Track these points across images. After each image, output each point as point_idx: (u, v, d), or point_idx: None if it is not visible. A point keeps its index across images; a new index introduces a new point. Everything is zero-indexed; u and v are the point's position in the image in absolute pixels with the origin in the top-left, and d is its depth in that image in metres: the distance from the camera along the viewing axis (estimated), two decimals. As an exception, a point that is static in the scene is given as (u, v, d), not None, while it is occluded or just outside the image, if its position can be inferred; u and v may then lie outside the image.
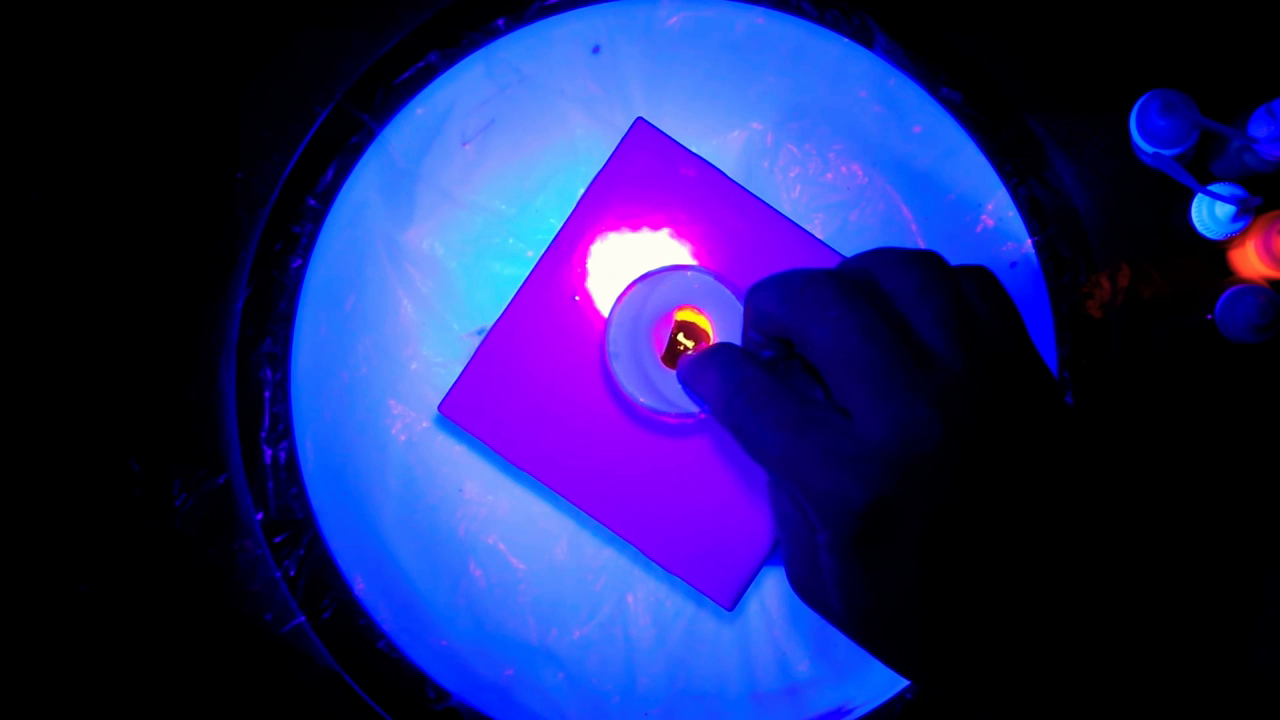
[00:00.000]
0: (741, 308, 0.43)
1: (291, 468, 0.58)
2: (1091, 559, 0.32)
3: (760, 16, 0.59)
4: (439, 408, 0.52)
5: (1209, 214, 0.54)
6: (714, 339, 0.46)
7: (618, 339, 0.45)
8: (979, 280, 0.33)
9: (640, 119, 0.52)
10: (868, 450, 0.30)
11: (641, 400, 0.45)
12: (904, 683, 0.57)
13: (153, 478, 0.59)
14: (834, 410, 0.32)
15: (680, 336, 0.46)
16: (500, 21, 0.59)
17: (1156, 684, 0.31)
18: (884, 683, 0.58)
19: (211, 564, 0.58)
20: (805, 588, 0.34)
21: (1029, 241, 0.58)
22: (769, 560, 0.51)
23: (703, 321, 0.46)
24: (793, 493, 0.32)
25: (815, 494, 0.31)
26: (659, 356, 0.46)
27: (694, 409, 0.45)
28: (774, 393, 0.33)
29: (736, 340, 0.44)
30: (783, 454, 0.31)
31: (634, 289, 0.46)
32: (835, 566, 0.31)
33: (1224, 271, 0.57)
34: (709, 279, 0.45)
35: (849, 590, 0.32)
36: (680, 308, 0.46)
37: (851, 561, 0.31)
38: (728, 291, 0.45)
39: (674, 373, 0.45)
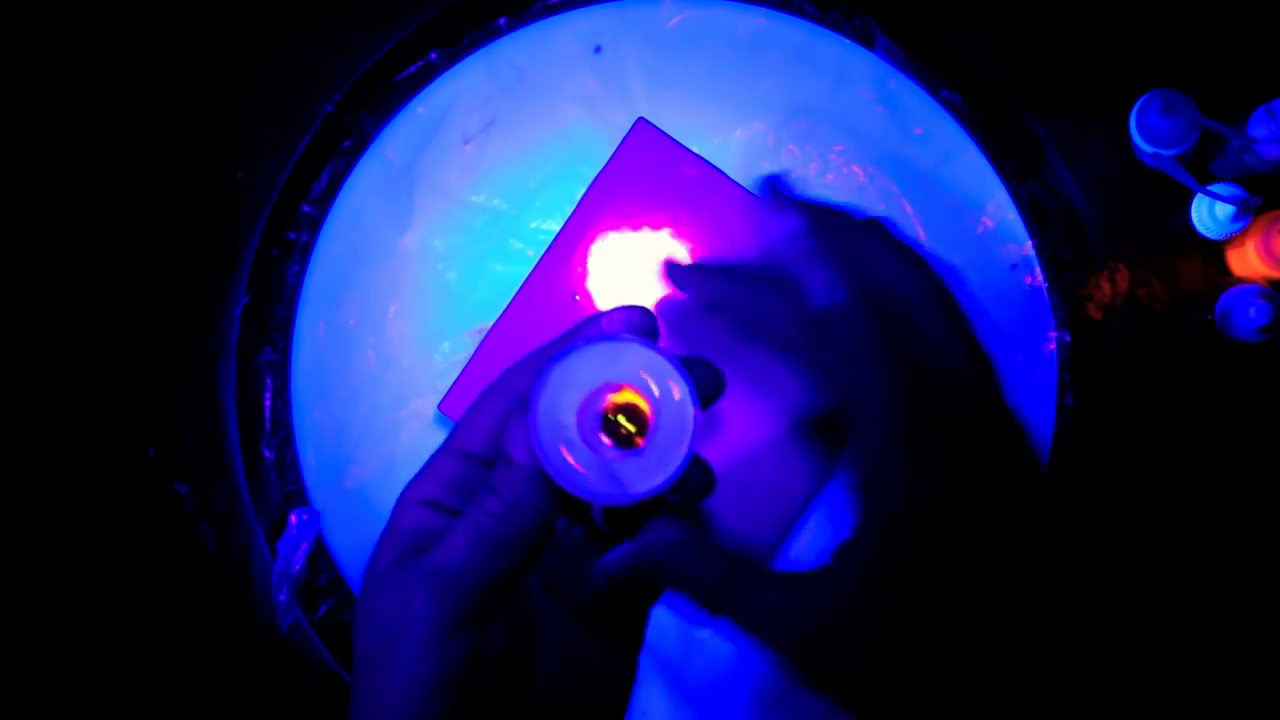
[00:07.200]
0: (680, 374, 0.35)
1: (292, 468, 0.58)
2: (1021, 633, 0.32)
3: (762, 17, 0.59)
4: (439, 407, 0.52)
5: (1209, 214, 0.54)
6: (652, 416, 0.36)
7: (546, 424, 0.35)
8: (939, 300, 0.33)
9: (641, 119, 0.52)
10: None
11: (593, 486, 0.35)
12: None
13: (154, 479, 0.59)
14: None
15: (619, 419, 0.36)
16: (502, 20, 0.59)
17: None
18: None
19: (212, 564, 0.58)
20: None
21: (1029, 243, 0.58)
22: (767, 561, 0.51)
23: (640, 401, 0.36)
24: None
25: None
26: (596, 438, 0.36)
27: (647, 487, 0.35)
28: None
29: (683, 417, 0.35)
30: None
31: (556, 368, 0.35)
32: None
33: (1224, 271, 0.57)
34: (638, 347, 0.36)
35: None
36: (613, 386, 0.36)
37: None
38: (659, 357, 0.35)
39: (618, 458, 0.35)
